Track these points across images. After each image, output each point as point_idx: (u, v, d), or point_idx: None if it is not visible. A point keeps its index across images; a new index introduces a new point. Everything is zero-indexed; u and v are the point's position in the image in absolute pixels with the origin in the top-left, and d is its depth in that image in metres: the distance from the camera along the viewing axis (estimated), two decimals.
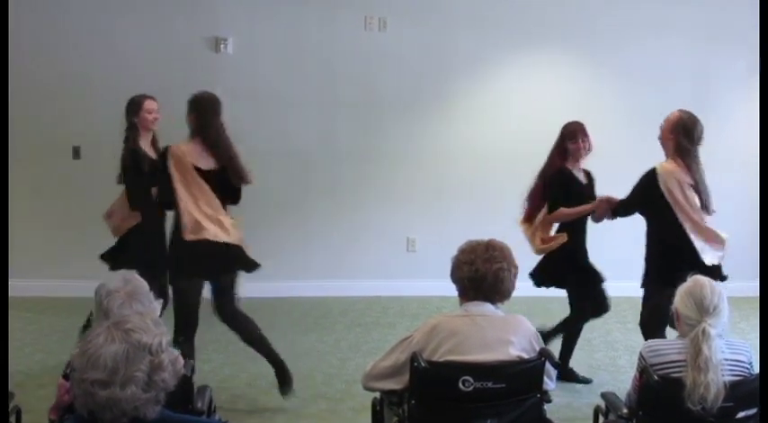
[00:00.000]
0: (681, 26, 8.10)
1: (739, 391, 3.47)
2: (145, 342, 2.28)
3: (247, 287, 7.70)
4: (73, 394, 2.82)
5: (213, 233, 5.14)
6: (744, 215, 8.25)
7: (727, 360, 3.47)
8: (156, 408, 2.33)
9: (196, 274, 5.16)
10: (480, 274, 3.55)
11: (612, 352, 5.94)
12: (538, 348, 3.55)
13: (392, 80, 8.06)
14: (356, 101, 8.03)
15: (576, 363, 6.31)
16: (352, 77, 7.99)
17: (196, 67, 7.89)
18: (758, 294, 7.78)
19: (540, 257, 5.72)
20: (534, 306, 7.50)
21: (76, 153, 7.93)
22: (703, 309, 3.50)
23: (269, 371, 5.95)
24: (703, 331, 3.45)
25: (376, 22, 7.99)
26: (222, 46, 7.91)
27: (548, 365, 3.54)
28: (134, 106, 5.78)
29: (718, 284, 3.59)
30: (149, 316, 3.28)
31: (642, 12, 8.06)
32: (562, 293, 8.02)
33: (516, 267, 3.67)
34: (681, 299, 3.59)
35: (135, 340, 2.27)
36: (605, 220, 5.61)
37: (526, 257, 5.50)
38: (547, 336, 5.51)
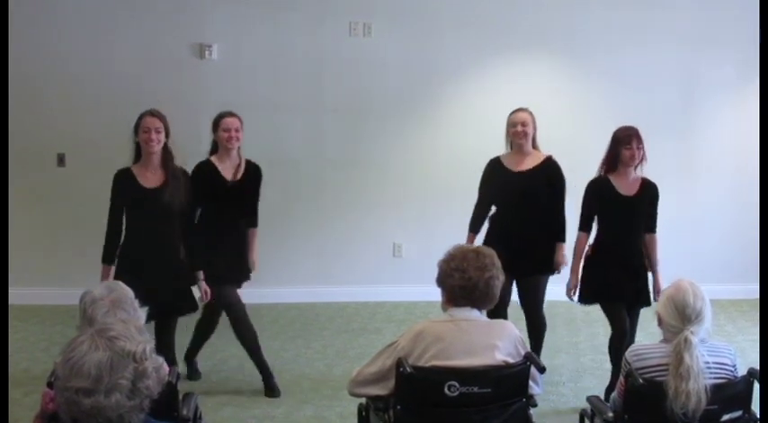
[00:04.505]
0: (668, 30, 8.12)
1: (724, 394, 3.48)
2: (129, 349, 2.27)
3: None
4: (57, 402, 2.82)
5: None
6: (730, 219, 8.29)
7: (707, 363, 3.48)
8: (141, 415, 2.32)
9: None
10: (472, 283, 3.54)
11: (599, 356, 5.95)
12: (523, 353, 3.56)
13: (377, 86, 8.06)
14: (342, 106, 8.03)
15: (562, 366, 6.33)
16: (337, 83, 7.99)
17: (181, 73, 7.88)
18: (745, 297, 7.87)
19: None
20: (520, 311, 7.54)
21: (61, 161, 7.90)
22: (685, 316, 3.50)
23: (256, 377, 5.94)
24: (685, 340, 3.45)
25: (360, 27, 7.99)
26: (207, 52, 7.90)
27: (533, 370, 3.54)
28: (135, 125, 5.33)
29: (700, 288, 3.59)
30: (133, 323, 3.28)
31: (629, 16, 8.08)
32: (549, 298, 8.06)
33: (503, 274, 3.68)
34: (663, 305, 3.58)
35: (119, 348, 2.26)
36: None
37: None
38: None
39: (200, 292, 5.47)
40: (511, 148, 5.78)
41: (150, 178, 5.22)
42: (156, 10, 7.84)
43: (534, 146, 5.76)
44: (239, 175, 5.60)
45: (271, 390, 5.67)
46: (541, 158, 5.74)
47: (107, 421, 2.25)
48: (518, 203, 5.68)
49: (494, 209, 5.88)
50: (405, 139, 8.08)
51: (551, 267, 5.73)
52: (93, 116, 7.65)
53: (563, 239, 5.72)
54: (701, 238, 8.19)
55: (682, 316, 3.50)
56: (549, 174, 5.72)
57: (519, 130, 5.65)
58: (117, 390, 2.23)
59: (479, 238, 5.84)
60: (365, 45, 8.02)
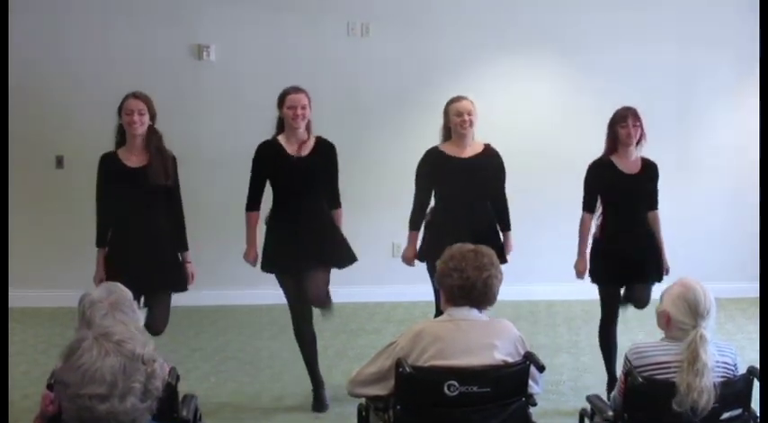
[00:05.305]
0: (665, 30, 8.12)
1: (724, 392, 3.49)
2: (138, 353, 2.28)
3: (234, 295, 7.75)
4: (57, 405, 2.81)
5: None
6: (729, 217, 8.30)
7: (717, 362, 3.49)
8: (149, 417, 2.33)
9: None
10: (471, 282, 3.54)
11: (599, 354, 5.94)
12: (523, 352, 3.56)
13: (376, 86, 8.06)
14: (340, 106, 8.02)
15: (562, 365, 6.34)
16: (335, 83, 7.98)
17: (179, 74, 7.88)
18: (744, 296, 7.87)
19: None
20: (519, 309, 7.55)
21: (59, 163, 7.91)
22: (698, 313, 3.50)
23: (256, 379, 5.94)
24: (701, 336, 3.46)
25: (358, 27, 7.99)
26: (205, 53, 7.91)
27: (533, 369, 3.55)
28: (118, 107, 5.23)
29: (706, 287, 3.60)
30: (133, 325, 3.29)
31: (626, 15, 8.08)
32: (548, 297, 8.08)
33: (502, 273, 3.69)
34: (673, 303, 3.57)
35: (128, 351, 2.27)
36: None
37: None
38: None
39: (186, 274, 5.33)
40: (446, 139, 5.62)
41: (134, 160, 5.15)
42: (154, 11, 7.84)
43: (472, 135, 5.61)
44: (305, 152, 5.32)
45: (319, 403, 5.44)
46: (481, 146, 5.60)
47: None
48: (462, 192, 5.48)
49: (433, 202, 5.68)
50: (403, 138, 8.06)
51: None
52: (91, 118, 7.64)
53: (509, 227, 5.68)
54: (700, 235, 8.19)
55: (695, 313, 3.50)
56: (491, 161, 5.59)
57: (465, 119, 5.47)
58: (131, 394, 2.24)
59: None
60: (363, 45, 8.02)
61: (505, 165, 5.70)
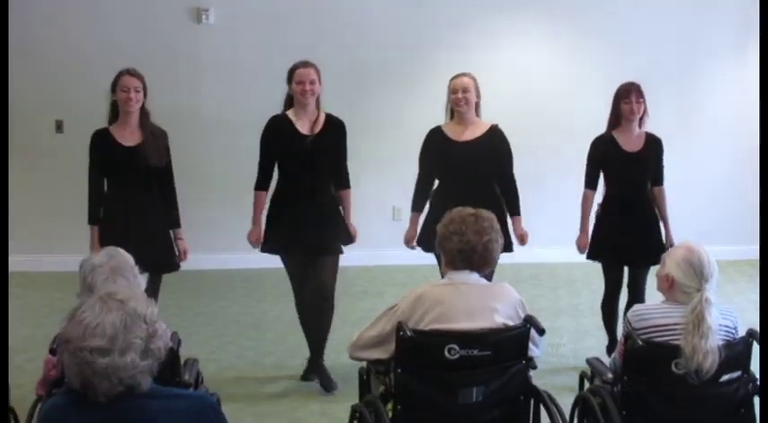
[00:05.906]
0: None
1: (726, 355, 3.49)
2: (140, 311, 2.31)
3: (235, 259, 7.76)
4: (60, 369, 2.83)
5: None
6: (728, 181, 8.30)
7: (720, 326, 3.50)
8: (149, 379, 2.34)
9: None
10: (471, 246, 3.55)
11: (599, 317, 5.97)
12: (523, 315, 3.57)
13: (374, 49, 8.02)
14: (339, 70, 7.95)
15: (562, 328, 6.36)
16: (333, 46, 7.93)
17: (178, 38, 7.84)
18: (744, 258, 7.89)
19: None
20: (521, 272, 7.57)
21: (59, 127, 7.90)
22: (703, 276, 3.50)
23: (258, 343, 5.96)
24: (706, 299, 3.46)
25: None
26: (204, 16, 7.86)
27: (533, 332, 3.55)
28: (112, 84, 5.12)
29: (707, 249, 3.61)
30: (135, 289, 3.30)
31: None
32: (550, 260, 8.09)
33: (503, 237, 3.69)
34: (677, 266, 3.56)
35: (131, 308, 2.29)
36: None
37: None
38: None
39: (178, 251, 5.26)
40: (451, 118, 5.38)
41: (128, 137, 5.07)
42: None
43: (477, 114, 5.35)
44: (317, 130, 5.17)
45: (325, 385, 5.27)
46: (486, 127, 5.33)
47: (119, 382, 2.27)
48: (463, 177, 5.25)
49: (436, 184, 5.48)
50: (403, 101, 8.05)
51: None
52: (90, 82, 7.60)
53: (518, 212, 5.39)
54: (701, 199, 8.19)
55: (699, 276, 3.51)
56: (495, 143, 5.32)
57: (459, 97, 5.22)
58: (132, 349, 2.27)
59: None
60: (362, 7, 7.97)
61: (506, 127, 5.57)
